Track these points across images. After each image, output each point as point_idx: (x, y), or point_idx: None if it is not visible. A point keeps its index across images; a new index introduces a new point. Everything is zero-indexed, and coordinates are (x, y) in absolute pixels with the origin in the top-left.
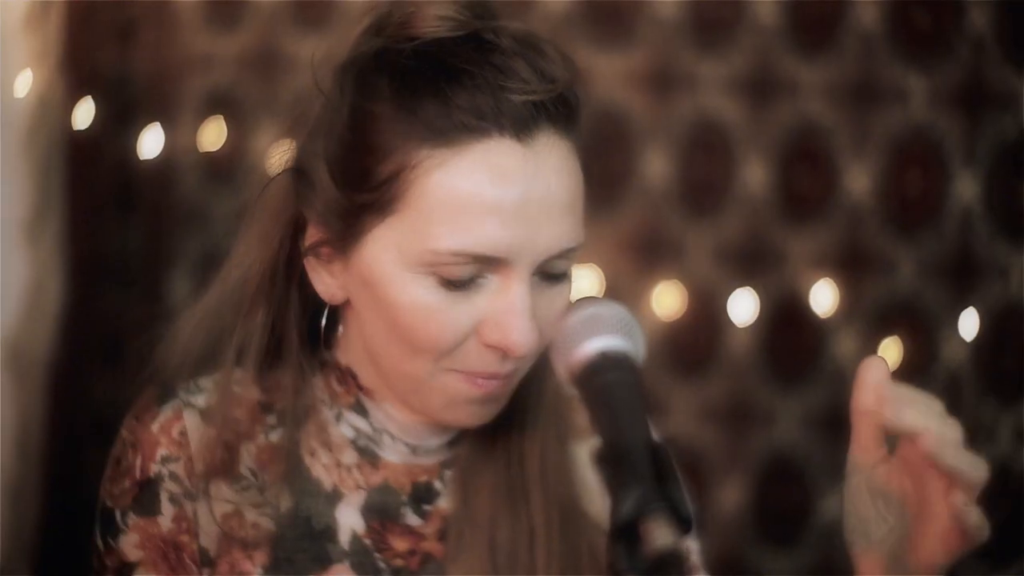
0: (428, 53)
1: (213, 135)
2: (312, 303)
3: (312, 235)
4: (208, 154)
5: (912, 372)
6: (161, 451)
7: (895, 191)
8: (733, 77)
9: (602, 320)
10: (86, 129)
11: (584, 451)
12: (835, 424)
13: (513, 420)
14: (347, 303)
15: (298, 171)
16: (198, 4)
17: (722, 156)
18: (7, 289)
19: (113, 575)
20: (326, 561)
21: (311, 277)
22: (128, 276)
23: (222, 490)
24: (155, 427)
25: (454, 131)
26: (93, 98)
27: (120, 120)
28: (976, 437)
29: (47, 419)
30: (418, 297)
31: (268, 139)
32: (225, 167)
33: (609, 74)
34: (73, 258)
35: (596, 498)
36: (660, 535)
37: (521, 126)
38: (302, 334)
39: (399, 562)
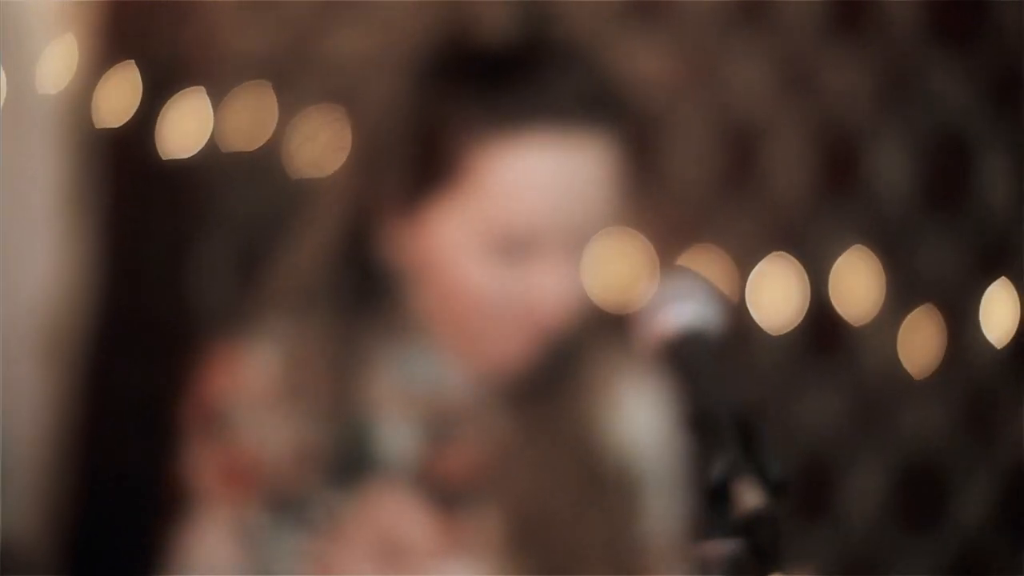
0: (492, 51)
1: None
2: None
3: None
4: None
5: None
6: None
7: None
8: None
9: (689, 290)
10: (123, 113)
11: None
12: None
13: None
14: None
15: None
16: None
17: None
18: (41, 278)
19: None
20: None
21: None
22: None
23: None
24: None
25: (518, 121)
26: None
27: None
28: None
29: (84, 409)
30: (474, 271)
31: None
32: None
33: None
34: (110, 247)
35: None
36: (749, 498)
37: (571, 120)
38: None
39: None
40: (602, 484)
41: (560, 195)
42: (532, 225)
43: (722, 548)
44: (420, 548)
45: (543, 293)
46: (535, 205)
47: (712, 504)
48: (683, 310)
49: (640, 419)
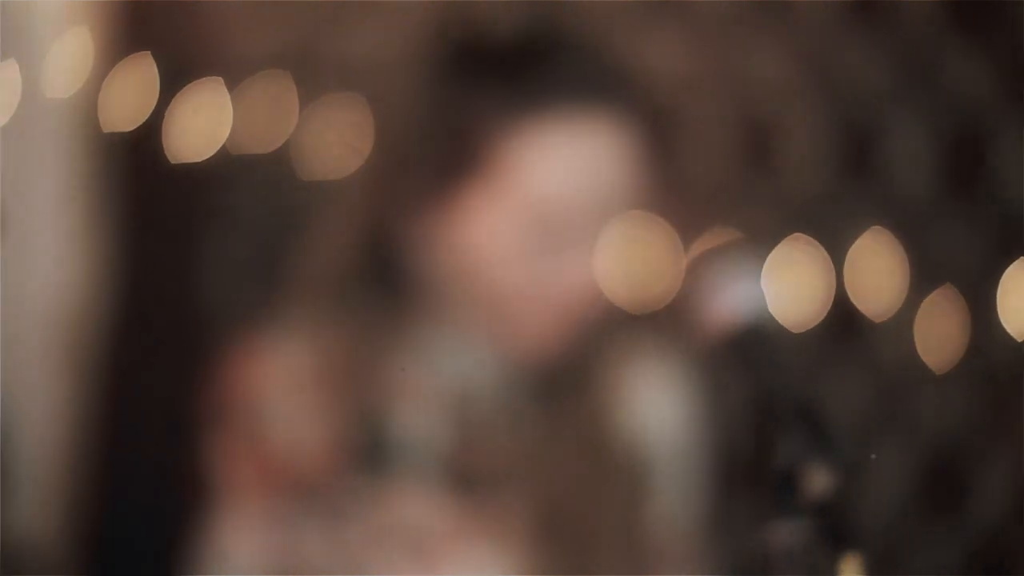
0: (509, 42)
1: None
2: None
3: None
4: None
5: None
6: None
7: None
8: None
9: (748, 278)
10: (140, 107)
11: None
12: None
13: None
14: None
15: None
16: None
17: None
18: (54, 279)
19: None
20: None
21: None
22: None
23: None
24: None
25: (538, 109)
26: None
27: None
28: None
29: (101, 410)
30: (506, 257)
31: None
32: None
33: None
34: (125, 246)
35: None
36: (816, 482)
37: (589, 104)
38: None
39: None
40: (623, 473)
41: (584, 177)
42: (559, 208)
43: (787, 532)
44: (441, 536)
45: (573, 276)
46: (561, 189)
47: (778, 489)
48: (744, 296)
49: (660, 409)
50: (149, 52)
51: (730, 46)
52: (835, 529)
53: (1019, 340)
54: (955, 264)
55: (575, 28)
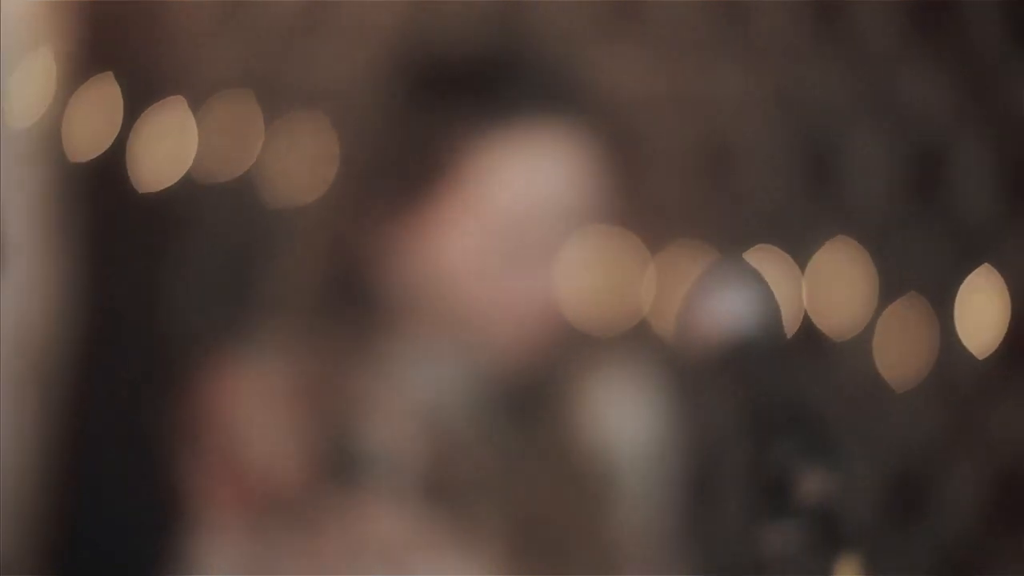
0: (469, 59)
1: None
2: None
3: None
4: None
5: None
6: None
7: None
8: None
9: (738, 287)
10: (103, 129)
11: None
12: None
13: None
14: None
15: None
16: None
17: None
18: (23, 304)
19: None
20: None
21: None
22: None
23: None
24: None
25: (501, 123)
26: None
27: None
28: None
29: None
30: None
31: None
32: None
33: None
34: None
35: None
36: (811, 486)
37: (544, 124)
38: None
39: None
40: (594, 485)
41: (548, 192)
42: (525, 223)
43: (782, 534)
44: (414, 548)
45: (540, 290)
46: (526, 204)
47: (771, 493)
48: (737, 306)
49: (630, 420)
50: (111, 72)
51: (690, 61)
52: (827, 532)
53: (978, 353)
54: (919, 275)
55: (536, 45)
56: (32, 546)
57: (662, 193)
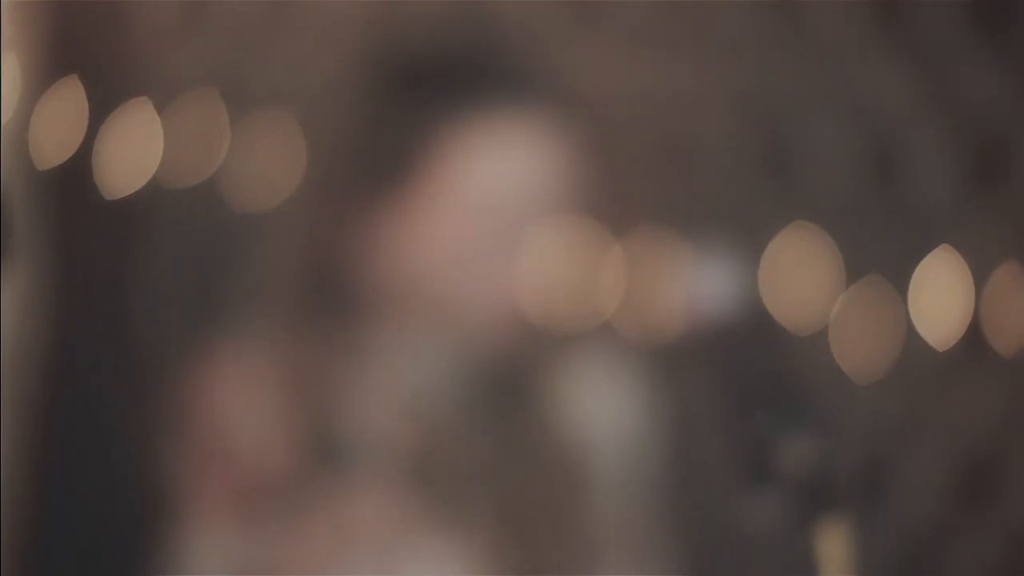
0: (438, 59)
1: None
2: None
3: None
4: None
5: None
6: None
7: None
8: None
9: (720, 273)
10: (69, 133)
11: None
12: None
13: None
14: None
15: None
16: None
17: None
18: None
19: None
20: None
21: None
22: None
23: None
24: None
25: (467, 120)
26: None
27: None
28: None
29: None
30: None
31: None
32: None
33: None
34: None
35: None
36: (794, 456)
37: (515, 115)
38: None
39: None
40: (577, 471)
41: (520, 183)
42: (497, 214)
43: (764, 500)
44: (393, 533)
45: (514, 280)
46: (498, 195)
47: (752, 461)
48: (715, 292)
49: (606, 408)
50: (76, 75)
51: (654, 54)
52: (807, 500)
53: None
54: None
55: (503, 38)
56: (8, 548)
57: (626, 182)
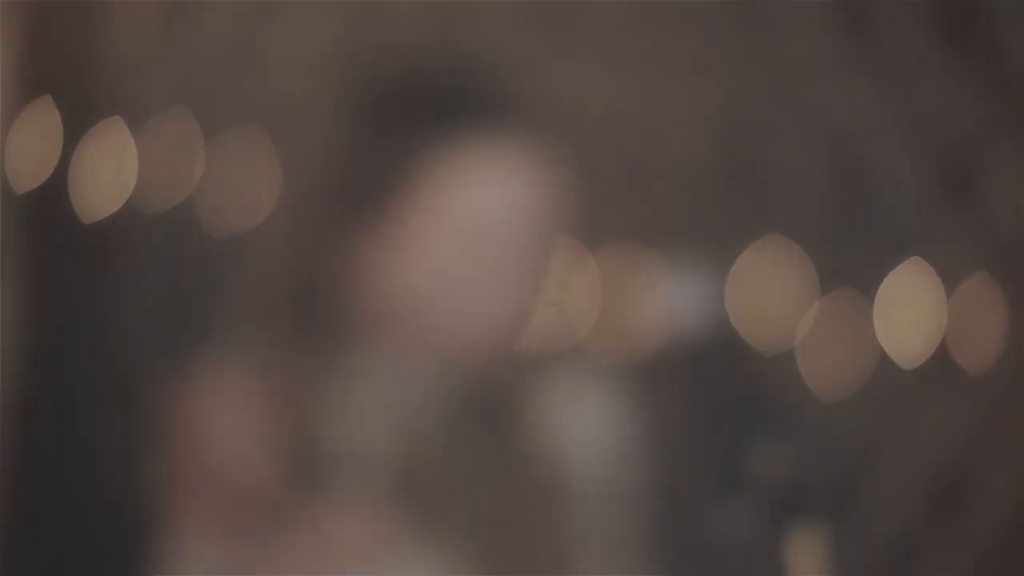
0: (418, 84)
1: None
2: None
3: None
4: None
5: None
6: None
7: None
8: None
9: (693, 290)
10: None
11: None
12: None
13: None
14: None
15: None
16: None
17: None
18: None
19: None
20: None
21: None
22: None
23: None
24: None
25: (444, 143)
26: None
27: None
28: None
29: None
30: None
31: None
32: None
33: None
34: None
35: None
36: (766, 469)
37: (500, 135)
38: None
39: None
40: (559, 486)
41: (506, 203)
42: (483, 234)
43: (738, 513)
44: (377, 547)
45: (501, 300)
46: (483, 215)
47: (726, 475)
48: (689, 308)
49: (587, 424)
50: (49, 95)
51: (630, 75)
52: (776, 505)
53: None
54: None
55: (484, 58)
56: None
57: (602, 202)
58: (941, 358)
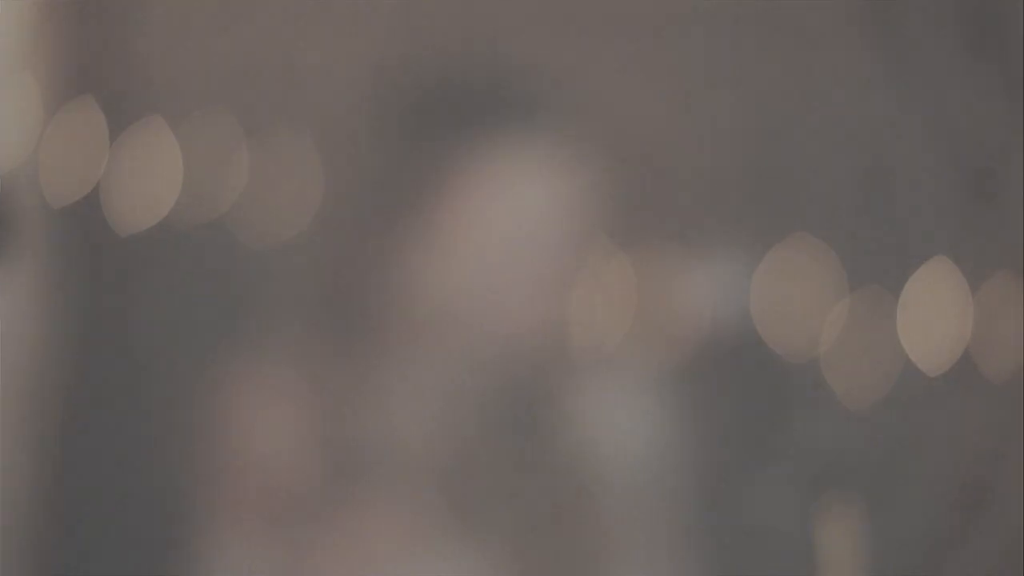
0: (462, 93)
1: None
2: None
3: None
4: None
5: None
6: None
7: None
8: None
9: (725, 289)
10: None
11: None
12: None
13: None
14: None
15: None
16: None
17: None
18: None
19: None
20: None
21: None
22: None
23: None
24: None
25: (489, 151)
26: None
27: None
28: None
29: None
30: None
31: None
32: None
33: None
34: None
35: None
36: (798, 466)
37: (534, 140)
38: None
39: None
40: (599, 486)
41: (540, 208)
42: (514, 235)
43: (771, 507)
44: (416, 543)
45: (536, 305)
46: (519, 215)
47: (760, 474)
48: (721, 307)
49: (621, 426)
50: (91, 96)
51: (662, 78)
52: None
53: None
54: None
55: (519, 64)
56: (29, 566)
57: (637, 204)
58: (965, 359)
